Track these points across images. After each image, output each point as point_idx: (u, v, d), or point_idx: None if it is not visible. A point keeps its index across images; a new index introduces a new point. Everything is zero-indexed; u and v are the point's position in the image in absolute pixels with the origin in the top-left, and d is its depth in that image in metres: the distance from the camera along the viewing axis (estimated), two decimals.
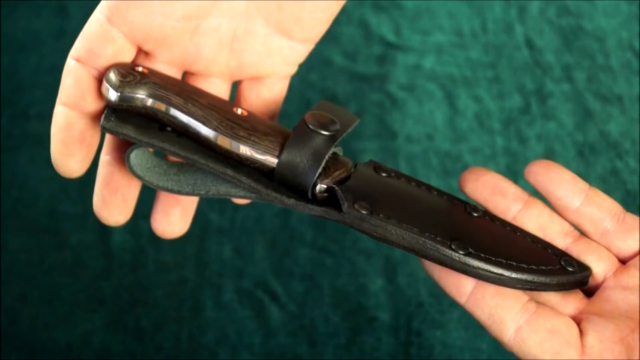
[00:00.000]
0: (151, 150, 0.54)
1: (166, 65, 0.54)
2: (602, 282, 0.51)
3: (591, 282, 0.51)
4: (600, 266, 0.51)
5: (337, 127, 0.51)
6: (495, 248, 0.49)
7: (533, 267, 0.49)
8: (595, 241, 0.51)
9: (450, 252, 0.49)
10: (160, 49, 0.53)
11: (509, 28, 0.85)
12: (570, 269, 0.50)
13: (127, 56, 0.52)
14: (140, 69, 0.52)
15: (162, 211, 0.56)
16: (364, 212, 0.49)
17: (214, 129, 0.51)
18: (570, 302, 0.50)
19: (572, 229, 0.52)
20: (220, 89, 0.55)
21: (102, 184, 0.54)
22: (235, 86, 0.57)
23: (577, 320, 0.49)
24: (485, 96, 0.80)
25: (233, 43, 0.54)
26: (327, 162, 0.51)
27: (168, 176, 0.54)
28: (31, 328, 0.66)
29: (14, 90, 0.77)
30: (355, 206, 0.49)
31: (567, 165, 0.76)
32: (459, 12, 0.85)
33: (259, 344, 0.66)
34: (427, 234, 0.49)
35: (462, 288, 0.50)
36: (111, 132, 0.51)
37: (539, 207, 0.52)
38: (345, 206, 0.50)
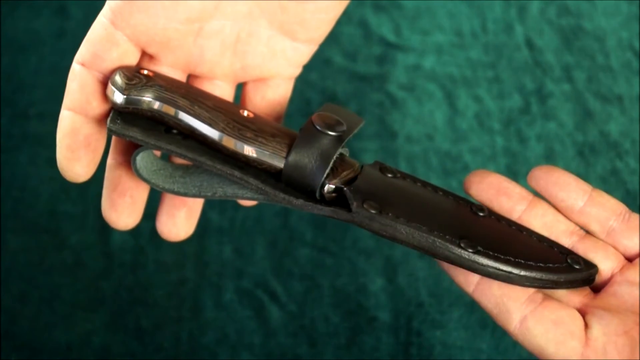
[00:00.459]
0: (158, 153, 0.54)
1: (170, 68, 0.54)
2: (609, 279, 0.51)
3: (598, 279, 0.51)
4: (606, 264, 0.51)
5: (344, 128, 0.52)
6: (503, 246, 0.50)
7: (541, 264, 0.50)
8: (601, 240, 0.52)
9: (459, 250, 0.49)
10: (164, 52, 0.53)
11: (509, 28, 0.85)
12: (576, 267, 0.50)
13: (132, 59, 0.52)
14: (145, 71, 0.52)
15: (168, 213, 0.56)
16: (373, 211, 0.50)
17: (221, 131, 0.51)
18: (577, 297, 0.51)
19: (577, 228, 0.52)
20: (224, 91, 0.55)
21: (110, 187, 0.54)
22: (240, 88, 0.57)
23: (583, 313, 0.49)
24: (485, 96, 0.80)
25: (237, 45, 0.54)
26: (334, 162, 0.51)
27: (174, 178, 0.54)
28: (31, 328, 0.66)
29: (14, 90, 0.77)
30: (365, 206, 0.50)
31: (567, 165, 0.76)
32: (459, 12, 0.85)
33: (259, 344, 0.66)
34: (436, 232, 0.49)
35: (470, 277, 0.50)
36: (118, 135, 0.51)
37: (543, 206, 0.53)
38: (354, 206, 0.50)
